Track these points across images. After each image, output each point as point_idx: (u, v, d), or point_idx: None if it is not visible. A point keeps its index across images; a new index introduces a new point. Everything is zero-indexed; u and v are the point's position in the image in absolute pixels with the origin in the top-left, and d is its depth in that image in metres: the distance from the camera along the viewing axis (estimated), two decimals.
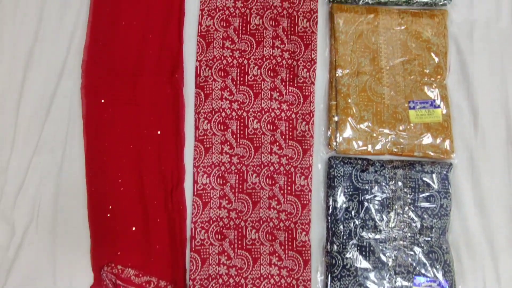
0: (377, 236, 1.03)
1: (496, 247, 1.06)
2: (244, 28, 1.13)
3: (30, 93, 1.11)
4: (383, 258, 1.02)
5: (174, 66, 1.10)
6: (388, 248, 1.02)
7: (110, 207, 1.05)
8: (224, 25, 1.13)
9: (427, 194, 1.04)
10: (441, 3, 1.13)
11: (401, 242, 1.03)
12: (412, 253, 1.02)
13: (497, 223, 1.07)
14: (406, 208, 1.04)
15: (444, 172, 1.06)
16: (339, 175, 1.06)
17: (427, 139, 1.07)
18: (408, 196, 1.04)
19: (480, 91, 1.13)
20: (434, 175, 1.05)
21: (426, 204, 1.04)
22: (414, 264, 1.02)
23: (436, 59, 1.11)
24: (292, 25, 1.12)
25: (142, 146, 1.08)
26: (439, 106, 1.09)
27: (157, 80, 1.10)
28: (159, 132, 1.08)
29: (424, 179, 1.05)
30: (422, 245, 1.02)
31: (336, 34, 1.11)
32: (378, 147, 1.07)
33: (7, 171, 1.08)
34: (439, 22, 1.12)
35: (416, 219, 1.03)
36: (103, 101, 1.08)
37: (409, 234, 1.03)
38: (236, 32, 1.12)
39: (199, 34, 1.13)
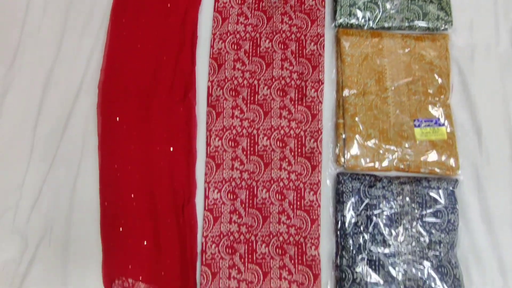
0: (386, 251, 1.04)
1: (505, 263, 1.06)
2: (254, 51, 1.18)
3: (48, 111, 1.15)
4: (393, 272, 1.02)
5: (187, 86, 1.15)
6: (397, 262, 1.03)
7: (122, 222, 1.07)
8: (235, 48, 1.18)
9: (435, 209, 1.06)
10: (442, 28, 1.19)
11: (410, 257, 1.03)
12: (421, 267, 1.03)
13: (505, 240, 1.08)
14: (414, 223, 1.05)
15: (451, 188, 1.08)
16: (347, 190, 1.08)
17: (432, 156, 1.10)
18: (416, 211, 1.06)
19: (483, 111, 1.16)
20: (440, 191, 1.07)
21: (434, 219, 1.05)
22: (424, 278, 1.02)
23: (439, 80, 1.15)
24: (300, 48, 1.18)
25: (155, 162, 1.10)
26: (443, 124, 1.12)
27: (170, 100, 1.14)
28: (171, 149, 1.11)
29: (431, 194, 1.07)
30: (431, 259, 1.03)
31: (342, 57, 1.16)
32: (385, 163, 1.10)
33: (22, 187, 1.11)
34: (441, 45, 1.18)
35: (424, 233, 1.05)
36: (118, 119, 1.12)
37: (417, 249, 1.04)
38: (247, 55, 1.18)
39: (211, 56, 1.18)
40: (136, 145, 1.11)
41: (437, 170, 1.10)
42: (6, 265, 1.07)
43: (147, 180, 1.10)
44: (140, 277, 1.04)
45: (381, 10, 1.18)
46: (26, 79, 1.18)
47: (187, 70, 1.16)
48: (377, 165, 1.10)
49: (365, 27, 1.19)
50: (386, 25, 1.19)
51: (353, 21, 1.18)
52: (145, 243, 1.06)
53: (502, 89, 1.18)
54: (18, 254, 1.07)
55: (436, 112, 1.13)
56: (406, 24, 1.19)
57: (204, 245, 1.07)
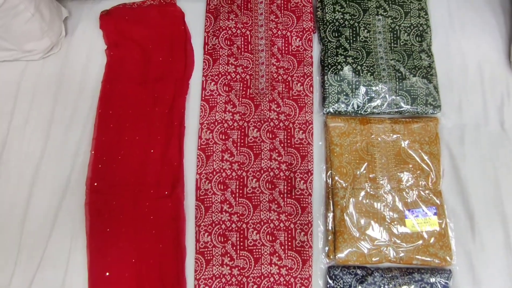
0: None
1: None
2: (242, 141, 1.17)
3: (35, 209, 1.14)
4: None
5: (174, 180, 1.14)
6: None
7: None
8: (223, 138, 1.17)
9: None
10: (431, 112, 1.18)
11: None
12: None
13: None
14: None
15: (444, 281, 1.06)
16: (338, 286, 1.06)
17: (425, 248, 1.08)
18: None
19: (474, 195, 1.15)
20: (433, 286, 1.05)
21: None
22: None
23: (430, 167, 1.14)
24: (288, 137, 1.17)
25: (144, 260, 1.09)
26: (435, 214, 1.11)
27: (158, 194, 1.13)
28: (160, 246, 1.10)
29: None
30: None
31: (331, 147, 1.15)
32: (376, 258, 1.08)
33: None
34: (431, 130, 1.16)
35: None
36: (106, 216, 1.11)
37: None
38: (235, 145, 1.17)
39: (199, 147, 1.17)
40: (125, 243, 1.10)
41: (430, 261, 1.08)
42: None
43: (137, 279, 1.08)
44: None
45: (369, 97, 1.18)
46: (14, 175, 1.17)
47: (175, 162, 1.15)
48: (368, 258, 1.08)
49: (354, 114, 1.18)
50: (375, 111, 1.18)
51: (342, 108, 1.17)
52: None
53: (493, 171, 1.17)
54: None
55: (428, 201, 1.12)
56: (395, 109, 1.18)
57: None
